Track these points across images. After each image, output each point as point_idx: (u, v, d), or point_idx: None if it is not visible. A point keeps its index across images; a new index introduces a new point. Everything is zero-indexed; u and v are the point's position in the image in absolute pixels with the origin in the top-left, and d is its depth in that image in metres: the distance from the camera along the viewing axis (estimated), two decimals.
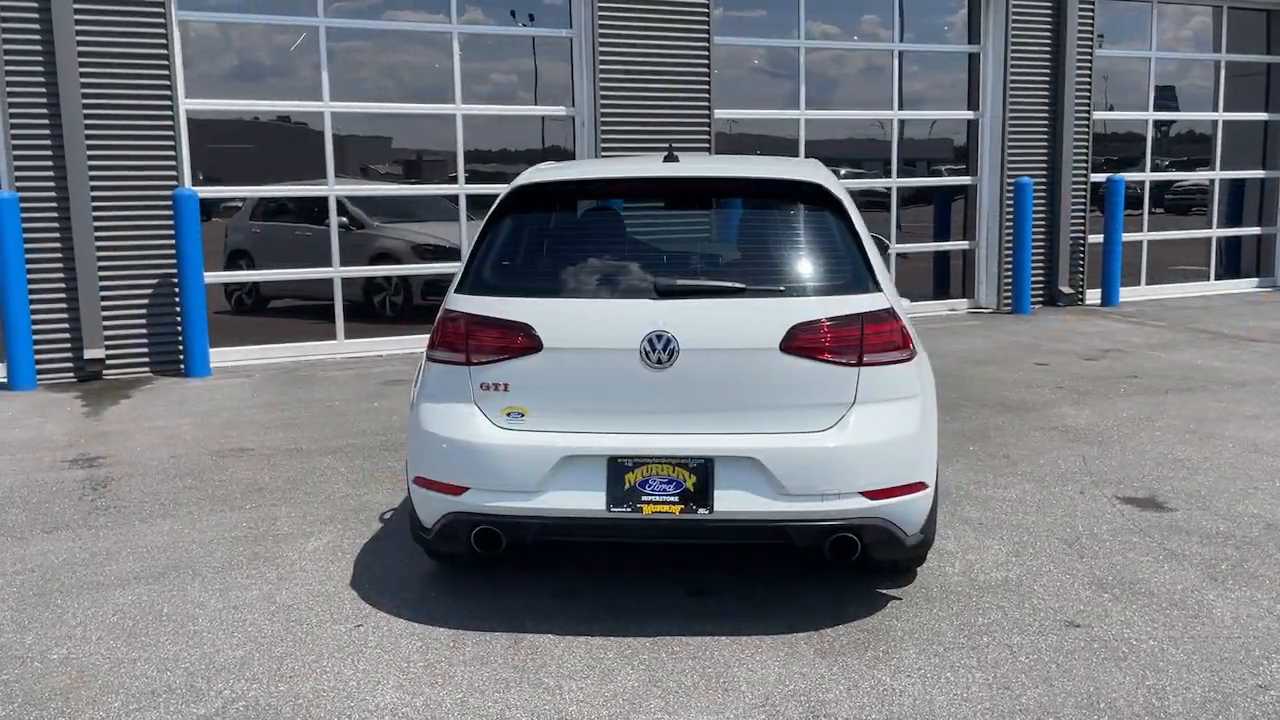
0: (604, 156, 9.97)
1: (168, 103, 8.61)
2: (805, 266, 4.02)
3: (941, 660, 3.62)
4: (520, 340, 3.84)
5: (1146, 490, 5.41)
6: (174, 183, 8.66)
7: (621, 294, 3.93)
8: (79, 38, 8.23)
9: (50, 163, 8.30)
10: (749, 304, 3.85)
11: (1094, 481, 5.55)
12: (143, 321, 8.69)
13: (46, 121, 8.25)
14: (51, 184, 8.32)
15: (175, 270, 8.62)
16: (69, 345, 8.46)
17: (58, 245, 8.35)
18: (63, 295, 8.41)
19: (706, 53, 10.33)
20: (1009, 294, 11.88)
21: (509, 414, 3.86)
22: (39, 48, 8.18)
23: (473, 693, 3.45)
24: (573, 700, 3.39)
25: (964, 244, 12.28)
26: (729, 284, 3.92)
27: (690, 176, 4.39)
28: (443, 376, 3.94)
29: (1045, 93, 11.87)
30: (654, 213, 4.43)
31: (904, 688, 3.43)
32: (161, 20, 8.55)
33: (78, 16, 8.23)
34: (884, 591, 4.17)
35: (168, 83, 8.60)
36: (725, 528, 3.79)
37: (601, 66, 9.92)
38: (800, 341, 3.77)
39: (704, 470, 3.74)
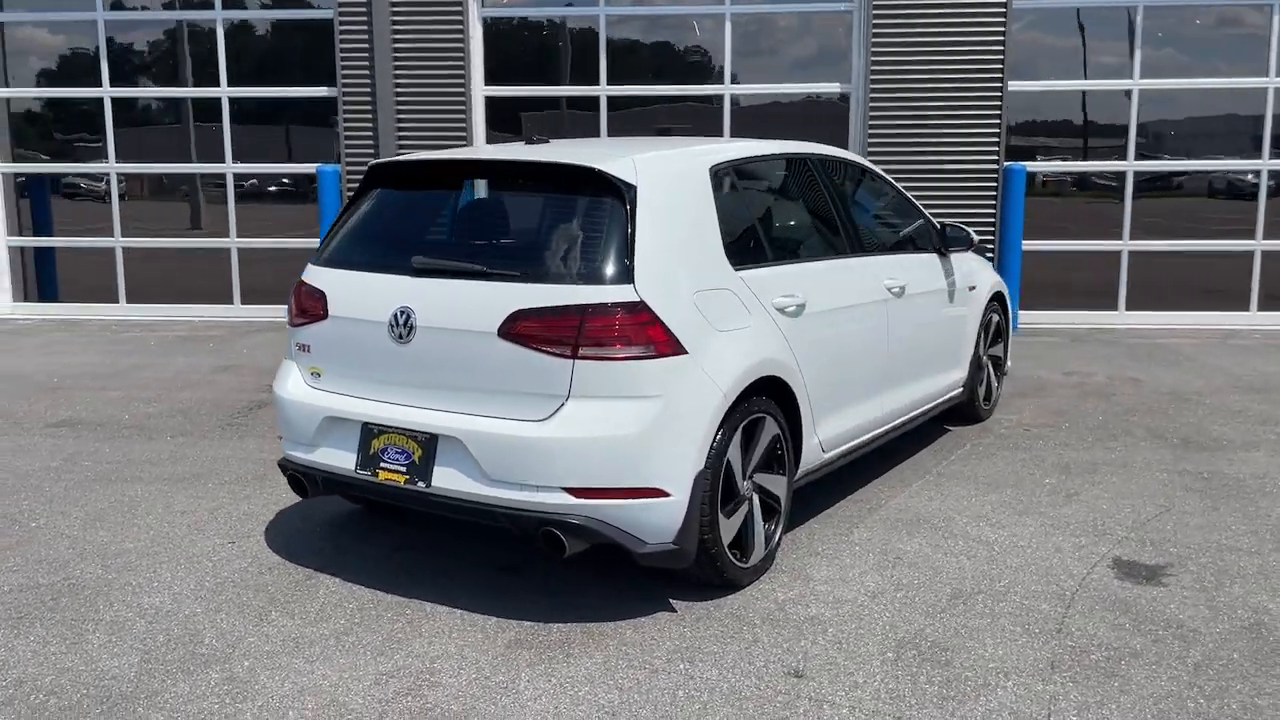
0: (871, 134, 9.57)
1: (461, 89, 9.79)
2: (553, 253, 3.84)
3: None
4: (316, 307, 4.17)
5: None
6: None
7: (386, 270, 4.04)
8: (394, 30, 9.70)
9: (370, 140, 9.93)
10: (482, 286, 3.80)
11: None
12: None
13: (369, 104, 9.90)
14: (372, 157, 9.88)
15: None
16: None
17: None
18: None
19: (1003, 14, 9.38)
20: None
21: (313, 373, 4.23)
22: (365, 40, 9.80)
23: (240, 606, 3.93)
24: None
25: None
26: (467, 266, 3.88)
27: (487, 160, 4.37)
28: (289, 336, 4.41)
29: None
30: (463, 195, 4.40)
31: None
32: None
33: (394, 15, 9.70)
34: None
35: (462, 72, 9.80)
36: (443, 503, 3.83)
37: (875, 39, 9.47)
38: (518, 328, 3.68)
39: (429, 445, 3.83)
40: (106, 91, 10.55)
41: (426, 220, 4.40)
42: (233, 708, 3.21)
